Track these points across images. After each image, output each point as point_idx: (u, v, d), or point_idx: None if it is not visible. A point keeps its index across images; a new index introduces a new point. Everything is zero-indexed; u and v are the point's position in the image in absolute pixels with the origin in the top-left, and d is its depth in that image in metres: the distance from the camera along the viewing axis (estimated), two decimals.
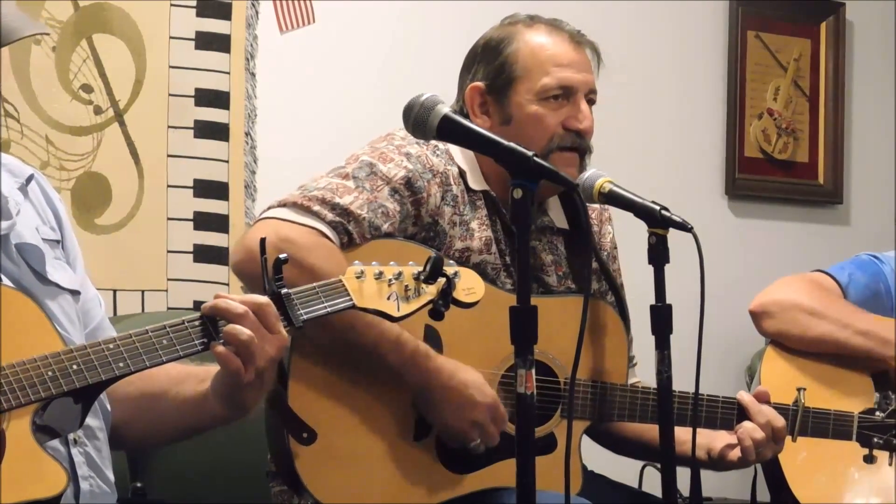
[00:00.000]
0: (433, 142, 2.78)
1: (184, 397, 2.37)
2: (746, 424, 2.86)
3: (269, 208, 2.68)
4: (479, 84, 2.83)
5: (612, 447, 3.04)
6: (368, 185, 2.68)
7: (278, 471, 2.73)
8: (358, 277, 2.31)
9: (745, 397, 2.90)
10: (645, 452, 3.01)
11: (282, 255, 2.24)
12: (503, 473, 2.69)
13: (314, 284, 2.28)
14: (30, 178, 2.41)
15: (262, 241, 2.24)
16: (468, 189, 2.80)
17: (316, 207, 2.63)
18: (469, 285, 2.41)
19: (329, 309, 2.28)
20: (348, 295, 2.30)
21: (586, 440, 2.88)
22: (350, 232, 2.64)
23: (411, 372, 2.63)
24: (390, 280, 2.33)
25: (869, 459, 3.11)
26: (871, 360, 3.27)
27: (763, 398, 2.91)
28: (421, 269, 2.35)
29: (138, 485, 2.96)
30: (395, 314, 2.34)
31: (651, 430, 2.77)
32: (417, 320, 2.47)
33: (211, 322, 2.18)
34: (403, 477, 2.67)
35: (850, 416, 3.10)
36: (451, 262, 2.44)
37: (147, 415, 2.41)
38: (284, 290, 2.23)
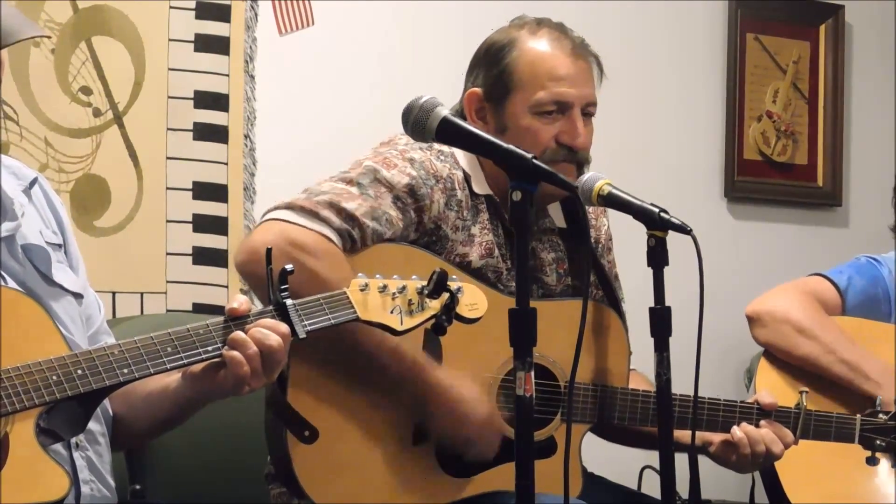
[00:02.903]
0: (437, 146, 2.78)
1: (150, 390, 2.38)
2: (755, 432, 2.87)
3: (275, 209, 2.67)
4: (478, 90, 2.83)
5: (612, 438, 3.04)
6: (372, 191, 2.67)
7: (278, 475, 2.73)
8: (362, 290, 2.32)
9: (740, 431, 2.89)
10: (645, 442, 3.00)
11: (288, 266, 2.25)
12: (503, 477, 2.69)
13: (318, 296, 2.29)
14: (33, 182, 2.42)
15: (269, 251, 2.25)
16: (472, 193, 2.80)
17: (324, 213, 2.62)
18: (472, 301, 2.43)
19: (333, 321, 2.30)
20: (352, 307, 2.31)
21: (586, 441, 2.88)
22: (354, 238, 2.64)
23: (409, 383, 2.63)
24: (394, 294, 2.34)
25: (872, 461, 3.12)
26: (850, 390, 3.27)
27: (772, 407, 2.92)
28: (425, 283, 2.35)
29: (137, 487, 2.96)
30: (399, 328, 2.35)
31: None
32: None
33: (233, 321, 2.22)
34: (402, 481, 2.67)
35: (852, 418, 3.10)
36: (455, 277, 2.44)
37: (125, 415, 2.42)
38: (289, 302, 2.24)
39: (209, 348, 2.20)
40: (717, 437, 2.91)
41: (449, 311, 2.37)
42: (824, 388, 3.27)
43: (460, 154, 2.81)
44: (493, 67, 2.81)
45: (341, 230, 2.62)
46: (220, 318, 2.23)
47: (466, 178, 2.79)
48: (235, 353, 2.20)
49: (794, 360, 3.31)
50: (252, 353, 2.20)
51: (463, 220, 2.77)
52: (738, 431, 2.87)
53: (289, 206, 2.64)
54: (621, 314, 2.93)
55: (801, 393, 3.03)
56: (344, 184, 2.69)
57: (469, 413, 2.65)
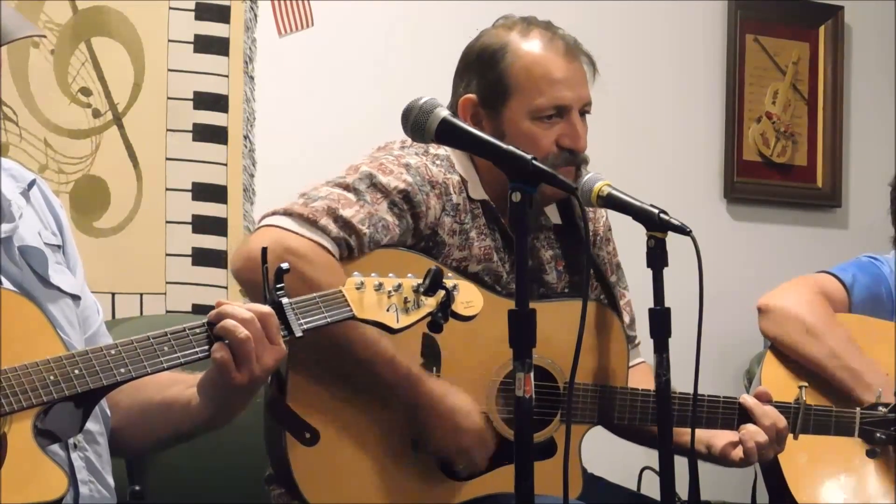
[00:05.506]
0: (433, 150, 2.77)
1: (171, 401, 2.38)
2: (750, 427, 2.86)
3: (272, 214, 2.66)
4: (472, 96, 2.81)
5: (619, 433, 3.03)
6: (369, 197, 2.67)
7: (277, 477, 2.73)
8: (358, 289, 2.32)
9: (749, 401, 2.89)
10: (651, 439, 2.99)
11: (283, 265, 2.25)
12: (503, 479, 2.69)
13: (314, 294, 2.29)
14: (32, 184, 2.42)
15: (264, 250, 2.24)
16: (468, 198, 2.79)
17: (322, 221, 2.62)
18: (468, 298, 2.42)
19: (329, 319, 2.29)
20: (348, 306, 2.31)
21: (586, 441, 2.87)
22: (351, 246, 2.64)
23: (403, 392, 2.64)
24: (390, 292, 2.34)
25: (872, 454, 3.13)
26: (850, 397, 3.27)
27: (765, 398, 2.91)
28: (420, 281, 2.35)
29: (136, 488, 2.96)
30: (395, 326, 2.34)
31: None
32: (415, 329, 2.47)
33: (214, 326, 2.19)
34: (401, 484, 2.67)
35: (852, 412, 3.11)
36: (451, 274, 2.44)
37: (138, 422, 2.42)
38: (285, 300, 2.24)
39: (206, 346, 2.19)
40: (718, 441, 2.90)
41: (445, 309, 2.36)
42: (828, 384, 3.27)
43: (456, 159, 2.80)
44: (487, 73, 2.80)
45: (338, 239, 2.62)
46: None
47: (463, 182, 2.79)
48: (227, 321, 2.17)
49: (798, 359, 3.31)
50: (247, 317, 2.17)
51: (460, 223, 2.77)
52: (749, 441, 2.85)
53: (286, 213, 2.64)
54: (617, 307, 2.93)
55: (800, 388, 3.03)
56: (341, 189, 2.68)
57: (461, 424, 2.65)
